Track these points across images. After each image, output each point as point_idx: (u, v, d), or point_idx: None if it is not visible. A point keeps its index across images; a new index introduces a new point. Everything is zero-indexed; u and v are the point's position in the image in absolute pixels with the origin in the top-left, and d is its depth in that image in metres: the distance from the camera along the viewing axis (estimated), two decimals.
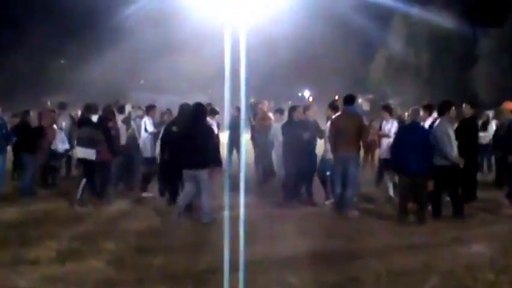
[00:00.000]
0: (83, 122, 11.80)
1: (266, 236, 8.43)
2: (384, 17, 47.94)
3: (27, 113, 12.80)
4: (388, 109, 12.16)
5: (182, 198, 9.81)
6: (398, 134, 10.28)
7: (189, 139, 9.61)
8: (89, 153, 11.07)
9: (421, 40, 49.36)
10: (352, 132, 10.33)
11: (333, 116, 10.89)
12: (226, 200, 5.72)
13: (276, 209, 10.75)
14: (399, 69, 50.39)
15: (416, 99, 35.03)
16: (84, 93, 45.53)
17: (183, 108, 10.91)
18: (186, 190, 9.76)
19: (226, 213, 5.47)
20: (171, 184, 11.02)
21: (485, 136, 14.68)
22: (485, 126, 15.22)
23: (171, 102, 13.49)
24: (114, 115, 12.03)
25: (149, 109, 13.24)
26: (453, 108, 10.03)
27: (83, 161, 11.32)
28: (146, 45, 42.97)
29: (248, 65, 5.46)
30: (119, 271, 6.97)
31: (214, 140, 10.20)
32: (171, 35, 41.37)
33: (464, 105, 11.88)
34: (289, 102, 12.35)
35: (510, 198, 10.87)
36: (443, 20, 43.32)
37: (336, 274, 6.80)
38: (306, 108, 11.95)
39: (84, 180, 11.09)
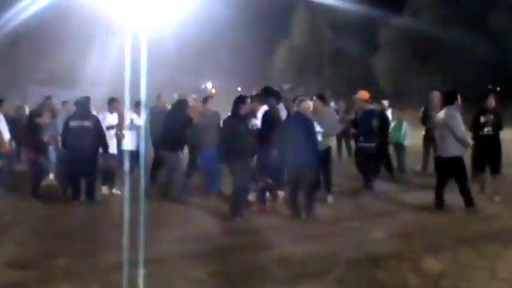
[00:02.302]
0: None
1: (171, 231, 8.43)
2: (287, 7, 48.62)
3: None
4: (322, 99, 11.17)
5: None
6: (282, 126, 9.74)
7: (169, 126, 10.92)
8: None
9: (323, 29, 50.03)
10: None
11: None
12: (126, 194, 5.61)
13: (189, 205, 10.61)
14: (302, 60, 51.00)
15: (320, 89, 35.62)
16: None
17: (80, 102, 11.02)
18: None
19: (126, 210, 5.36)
20: (72, 180, 10.89)
21: None
22: None
23: (70, 96, 13.34)
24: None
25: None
26: (458, 97, 9.86)
27: None
28: (45, 39, 41.55)
29: (151, 58, 5.35)
30: (21, 273, 6.69)
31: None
32: (71, 28, 40.34)
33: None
34: (193, 95, 12.18)
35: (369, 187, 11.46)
36: (345, 8, 44.13)
37: (242, 266, 6.82)
38: (206, 99, 11.89)
39: None
